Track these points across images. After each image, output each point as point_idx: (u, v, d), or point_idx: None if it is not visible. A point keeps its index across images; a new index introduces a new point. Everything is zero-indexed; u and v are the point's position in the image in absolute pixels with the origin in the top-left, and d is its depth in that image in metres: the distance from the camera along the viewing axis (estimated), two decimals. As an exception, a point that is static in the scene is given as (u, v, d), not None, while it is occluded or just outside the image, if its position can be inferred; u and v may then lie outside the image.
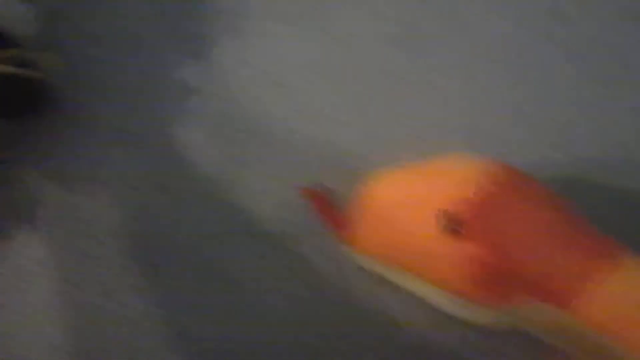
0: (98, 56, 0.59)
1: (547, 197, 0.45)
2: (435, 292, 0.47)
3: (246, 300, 0.49)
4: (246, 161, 0.54)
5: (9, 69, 0.44)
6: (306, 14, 0.59)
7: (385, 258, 0.48)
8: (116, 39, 0.60)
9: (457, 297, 0.46)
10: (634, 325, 0.41)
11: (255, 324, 0.48)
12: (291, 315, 0.48)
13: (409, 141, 0.54)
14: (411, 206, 0.47)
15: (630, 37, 0.55)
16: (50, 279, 0.50)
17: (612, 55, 0.55)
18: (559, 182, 0.50)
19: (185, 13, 0.60)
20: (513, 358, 0.47)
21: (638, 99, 0.53)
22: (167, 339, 0.49)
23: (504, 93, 0.55)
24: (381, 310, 0.49)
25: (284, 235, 0.51)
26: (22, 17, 0.48)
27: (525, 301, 0.45)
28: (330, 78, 0.56)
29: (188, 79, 0.58)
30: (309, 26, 0.59)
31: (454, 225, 0.45)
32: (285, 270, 0.50)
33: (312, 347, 0.48)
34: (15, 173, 0.55)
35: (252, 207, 0.52)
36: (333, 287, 0.49)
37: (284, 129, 0.56)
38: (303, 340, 0.48)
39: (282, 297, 0.49)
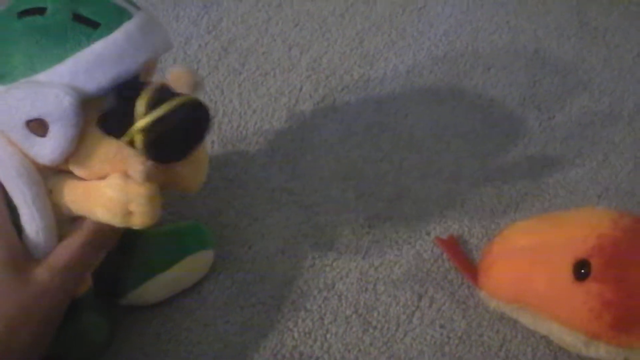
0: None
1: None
2: (568, 333, 0.50)
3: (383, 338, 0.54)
4: (389, 215, 0.61)
5: None
6: None
7: (517, 301, 0.52)
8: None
9: (590, 338, 0.49)
10: None
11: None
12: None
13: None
14: (544, 253, 0.51)
15: None
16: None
17: None
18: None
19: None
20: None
21: None
22: None
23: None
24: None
25: (419, 281, 0.56)
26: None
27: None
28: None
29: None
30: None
31: (585, 269, 0.48)
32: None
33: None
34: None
35: (391, 258, 0.58)
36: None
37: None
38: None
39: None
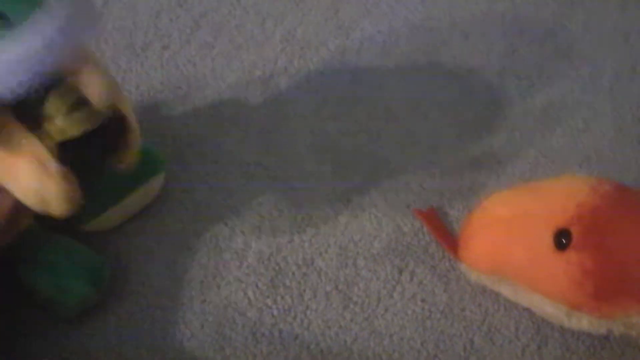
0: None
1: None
2: (549, 304, 0.50)
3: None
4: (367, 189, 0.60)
5: None
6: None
7: (498, 272, 0.52)
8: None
9: (571, 308, 0.49)
10: None
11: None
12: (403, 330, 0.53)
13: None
14: (524, 223, 0.50)
15: None
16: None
17: None
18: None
19: None
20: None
21: None
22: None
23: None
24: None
25: (399, 255, 0.56)
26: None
27: (636, 308, 0.47)
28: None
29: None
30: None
31: (565, 239, 0.48)
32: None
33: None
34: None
35: (371, 232, 0.57)
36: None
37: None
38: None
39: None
